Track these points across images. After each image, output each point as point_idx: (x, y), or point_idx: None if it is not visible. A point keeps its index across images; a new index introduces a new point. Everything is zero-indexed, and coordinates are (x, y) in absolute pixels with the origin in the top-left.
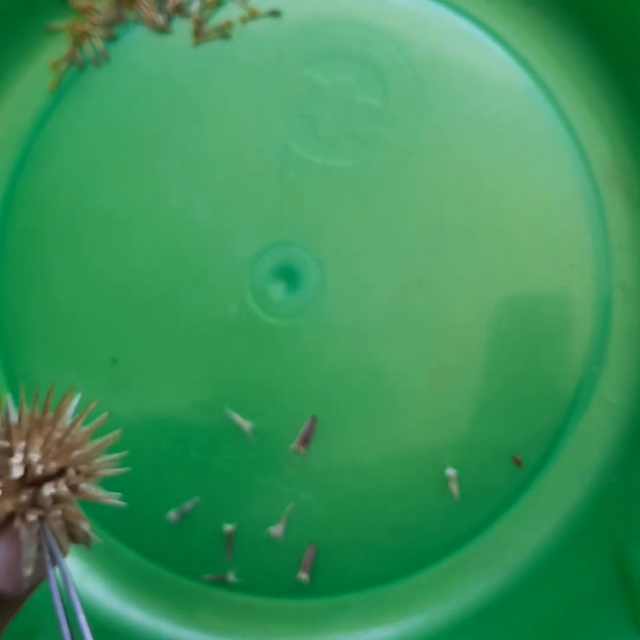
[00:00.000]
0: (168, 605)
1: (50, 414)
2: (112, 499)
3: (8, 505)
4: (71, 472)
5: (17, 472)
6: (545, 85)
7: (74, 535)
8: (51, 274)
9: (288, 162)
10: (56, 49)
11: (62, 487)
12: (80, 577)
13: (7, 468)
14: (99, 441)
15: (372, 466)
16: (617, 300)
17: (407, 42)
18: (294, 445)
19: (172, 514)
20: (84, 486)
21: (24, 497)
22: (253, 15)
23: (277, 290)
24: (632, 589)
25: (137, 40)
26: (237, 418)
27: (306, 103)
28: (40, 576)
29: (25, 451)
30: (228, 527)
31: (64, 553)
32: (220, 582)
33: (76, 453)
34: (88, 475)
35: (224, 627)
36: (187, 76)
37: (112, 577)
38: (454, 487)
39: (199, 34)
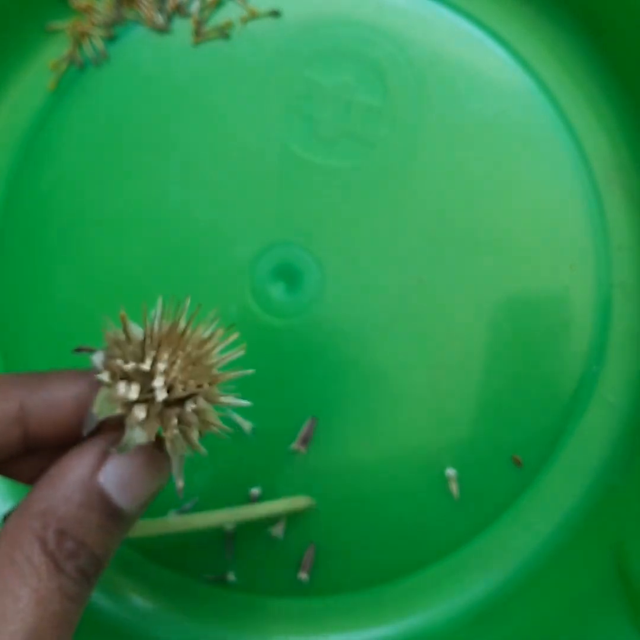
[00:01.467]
0: (168, 605)
1: (184, 329)
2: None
3: (156, 424)
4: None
5: (161, 395)
6: (545, 85)
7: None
8: (51, 274)
9: (288, 162)
10: (56, 49)
11: (202, 403)
12: None
13: (138, 373)
14: (229, 372)
15: (372, 466)
16: (617, 300)
17: (407, 42)
18: (294, 445)
19: (172, 514)
20: (203, 402)
21: (162, 409)
22: (253, 15)
23: (277, 290)
24: (632, 589)
25: (137, 40)
26: (237, 418)
27: (306, 103)
28: (155, 490)
29: (155, 359)
30: (228, 527)
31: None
32: (220, 582)
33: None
34: (208, 396)
35: (224, 627)
36: (187, 76)
37: (112, 576)
38: (454, 487)
39: (199, 34)
